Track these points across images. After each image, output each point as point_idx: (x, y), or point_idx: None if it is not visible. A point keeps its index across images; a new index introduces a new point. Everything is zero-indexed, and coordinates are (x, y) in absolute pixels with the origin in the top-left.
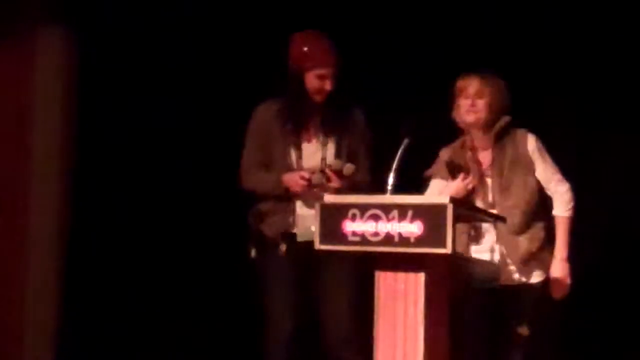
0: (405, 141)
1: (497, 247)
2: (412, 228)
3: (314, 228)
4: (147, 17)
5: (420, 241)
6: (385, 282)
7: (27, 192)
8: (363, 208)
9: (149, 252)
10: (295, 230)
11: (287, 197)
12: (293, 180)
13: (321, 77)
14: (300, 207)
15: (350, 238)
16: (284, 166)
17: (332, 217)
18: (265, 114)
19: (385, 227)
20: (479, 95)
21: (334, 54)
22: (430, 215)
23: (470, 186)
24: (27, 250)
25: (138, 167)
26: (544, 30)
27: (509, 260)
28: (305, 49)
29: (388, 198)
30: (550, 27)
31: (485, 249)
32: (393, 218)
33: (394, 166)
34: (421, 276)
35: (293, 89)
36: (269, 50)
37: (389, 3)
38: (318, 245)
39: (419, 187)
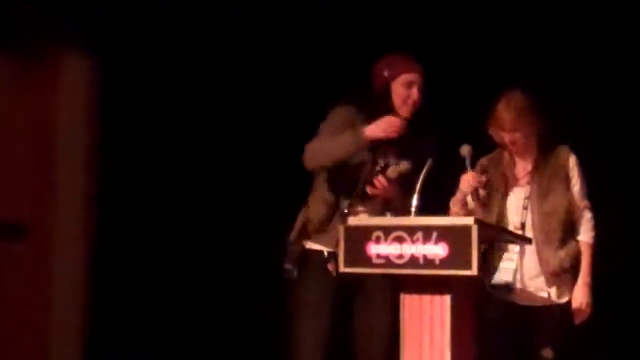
0: (429, 162)
1: (526, 256)
2: (437, 250)
3: None
4: (171, 43)
5: (445, 263)
6: (411, 305)
7: (53, 219)
8: (387, 230)
9: (176, 274)
10: None
11: (344, 211)
12: (384, 123)
13: (408, 85)
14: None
15: (375, 260)
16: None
17: (356, 240)
18: (349, 112)
19: (410, 249)
20: (515, 129)
21: (419, 64)
22: (455, 236)
23: (483, 178)
24: (52, 277)
25: (164, 193)
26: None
27: (535, 272)
28: (389, 61)
29: (412, 220)
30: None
31: (511, 257)
32: (417, 240)
33: (418, 188)
34: (447, 298)
35: (379, 103)
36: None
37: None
38: (342, 268)
39: (443, 208)
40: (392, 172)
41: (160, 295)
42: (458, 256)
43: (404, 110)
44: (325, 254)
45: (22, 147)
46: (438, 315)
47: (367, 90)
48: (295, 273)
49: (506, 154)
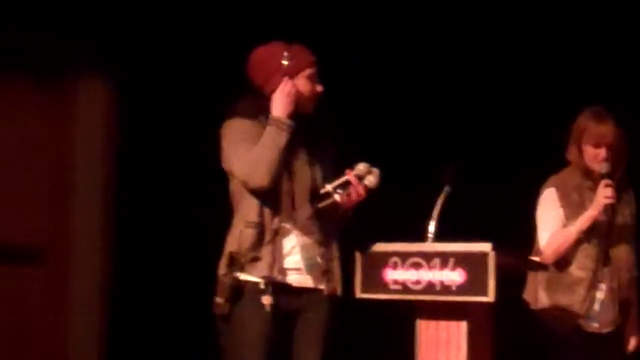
0: (446, 189)
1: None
2: (454, 276)
3: (319, 258)
4: (186, 63)
5: (462, 289)
6: (427, 331)
7: (70, 245)
8: (404, 256)
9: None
10: (298, 264)
11: (273, 230)
12: (283, 91)
13: (313, 78)
14: (298, 236)
15: (392, 286)
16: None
17: (373, 265)
18: (247, 113)
19: (427, 275)
20: (614, 145)
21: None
22: (472, 263)
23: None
24: (69, 303)
25: (182, 217)
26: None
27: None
28: (286, 53)
29: (429, 246)
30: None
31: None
32: (434, 266)
33: (435, 214)
34: (463, 325)
35: (258, 96)
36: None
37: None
38: (359, 294)
39: (460, 234)
40: (371, 181)
41: (179, 320)
42: (475, 282)
43: (310, 107)
44: (262, 285)
45: (39, 172)
46: (455, 340)
47: (252, 92)
48: (227, 309)
49: (585, 183)
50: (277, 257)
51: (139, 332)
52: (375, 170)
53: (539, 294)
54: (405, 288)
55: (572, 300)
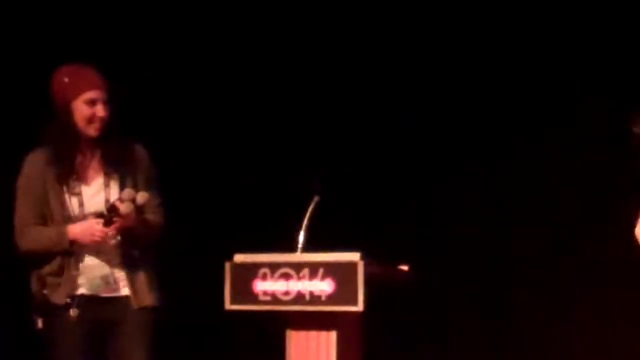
0: (315, 199)
1: None
2: (323, 286)
3: (109, 277)
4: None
5: (331, 299)
6: (297, 341)
7: None
8: (274, 267)
9: None
10: (80, 285)
11: (70, 253)
12: (87, 231)
13: (91, 103)
14: (86, 258)
15: (261, 297)
16: (63, 217)
17: (242, 277)
18: (36, 163)
19: (296, 285)
20: None
21: (101, 77)
22: (341, 272)
23: None
24: None
25: None
26: None
27: None
28: (66, 79)
29: (298, 256)
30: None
31: None
32: (304, 276)
33: (304, 224)
34: (333, 334)
35: (61, 126)
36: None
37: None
38: (228, 306)
39: (329, 244)
40: (125, 207)
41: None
42: (344, 292)
43: (92, 131)
44: (67, 301)
45: None
46: (324, 351)
47: (52, 118)
48: (40, 323)
49: None
50: (73, 279)
51: None
52: (142, 194)
53: None
54: (274, 299)
55: None
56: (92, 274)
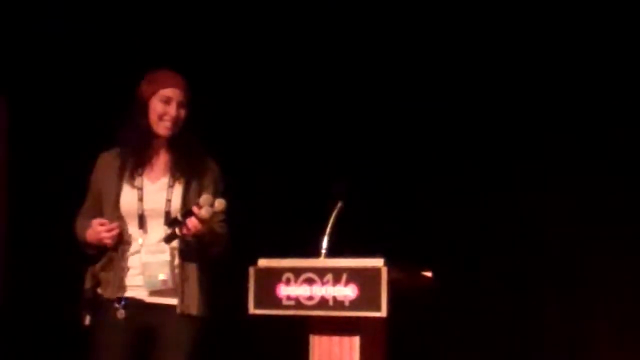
0: (339, 204)
1: None
2: (347, 291)
3: (163, 276)
4: (75, 81)
5: (354, 304)
6: (320, 346)
7: None
8: (297, 272)
9: None
10: (139, 282)
11: (122, 250)
12: (93, 234)
13: (166, 101)
14: (144, 256)
15: (285, 302)
16: (112, 209)
17: (265, 281)
18: (104, 158)
19: (320, 290)
20: None
21: (183, 80)
22: (365, 278)
23: None
24: None
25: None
26: None
27: None
28: (149, 79)
29: (322, 261)
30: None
31: None
32: (327, 282)
33: (328, 229)
34: (356, 340)
35: (135, 125)
36: None
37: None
38: (252, 310)
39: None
40: (205, 212)
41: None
42: (367, 298)
43: (163, 128)
44: (116, 299)
45: None
46: (347, 356)
47: (128, 116)
48: (88, 320)
49: None
50: (122, 275)
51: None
52: (220, 201)
53: None
54: (298, 304)
55: None
56: (151, 272)
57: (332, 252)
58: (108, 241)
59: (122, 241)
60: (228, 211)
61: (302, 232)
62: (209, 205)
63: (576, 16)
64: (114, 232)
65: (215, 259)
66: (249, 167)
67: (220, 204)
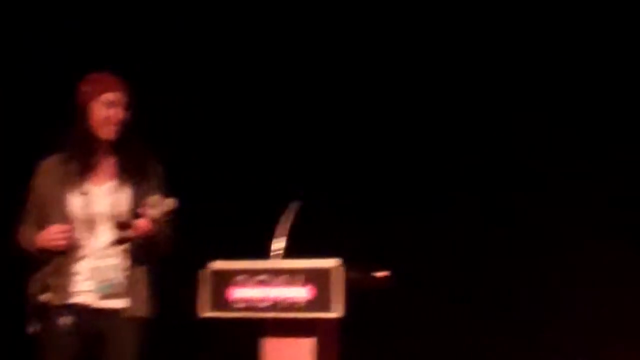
0: (296, 204)
1: None
2: (301, 292)
3: (113, 280)
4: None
5: (309, 306)
6: (272, 349)
7: None
8: (251, 273)
9: None
10: (88, 287)
11: (69, 257)
12: (46, 237)
13: (109, 104)
14: (93, 261)
15: (237, 305)
16: (60, 216)
17: (218, 284)
18: (46, 165)
19: (273, 292)
20: None
21: (122, 82)
22: (320, 279)
23: None
24: None
25: None
26: None
27: None
28: (88, 83)
29: (276, 263)
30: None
31: None
32: (282, 283)
33: (282, 230)
34: (312, 341)
35: (77, 130)
36: None
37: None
38: (203, 313)
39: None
40: (156, 212)
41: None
42: (323, 298)
43: (107, 132)
44: (62, 306)
45: None
46: (302, 358)
47: (68, 121)
48: (34, 327)
49: None
50: (70, 280)
51: None
52: (168, 201)
53: None
54: (251, 306)
55: None
56: (101, 277)
57: (290, 254)
58: (62, 243)
59: (70, 246)
60: (179, 213)
61: (254, 234)
62: (159, 205)
63: (576, 16)
64: (69, 234)
65: (161, 258)
66: (204, 167)
67: (171, 202)
